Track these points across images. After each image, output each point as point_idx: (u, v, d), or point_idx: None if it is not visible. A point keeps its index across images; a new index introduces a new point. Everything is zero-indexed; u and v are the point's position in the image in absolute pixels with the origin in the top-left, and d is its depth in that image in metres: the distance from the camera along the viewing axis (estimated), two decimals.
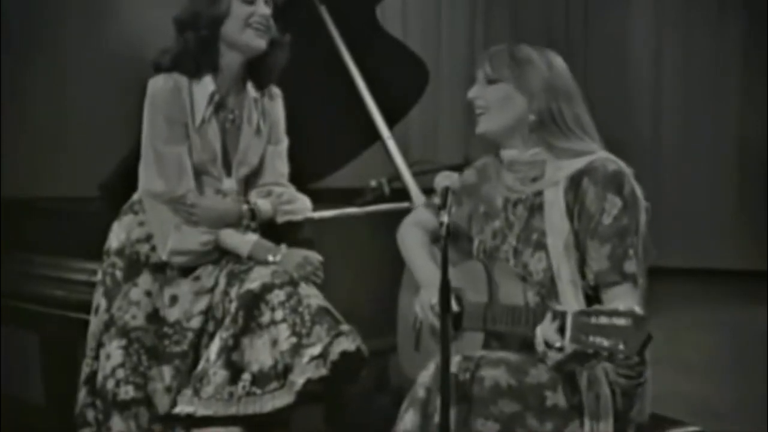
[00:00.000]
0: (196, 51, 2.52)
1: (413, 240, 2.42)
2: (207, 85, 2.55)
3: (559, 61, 2.19)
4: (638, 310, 1.79)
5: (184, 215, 2.50)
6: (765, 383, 3.92)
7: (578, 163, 2.12)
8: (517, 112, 2.16)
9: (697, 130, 6.91)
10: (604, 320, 1.80)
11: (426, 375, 2.06)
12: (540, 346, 1.95)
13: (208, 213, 2.52)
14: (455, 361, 2.03)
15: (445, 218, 1.98)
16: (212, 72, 2.56)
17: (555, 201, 2.12)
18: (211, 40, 2.53)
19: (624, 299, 2.03)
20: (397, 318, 2.50)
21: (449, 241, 1.98)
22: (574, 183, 2.11)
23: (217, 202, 2.57)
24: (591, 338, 1.81)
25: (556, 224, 2.11)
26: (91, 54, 4.72)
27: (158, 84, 2.52)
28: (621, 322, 1.78)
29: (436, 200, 2.15)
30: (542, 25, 6.99)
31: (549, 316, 1.93)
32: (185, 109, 2.53)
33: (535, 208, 2.17)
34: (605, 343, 1.79)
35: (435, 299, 2.09)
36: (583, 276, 2.10)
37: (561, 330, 1.87)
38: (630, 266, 2.06)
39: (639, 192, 2.10)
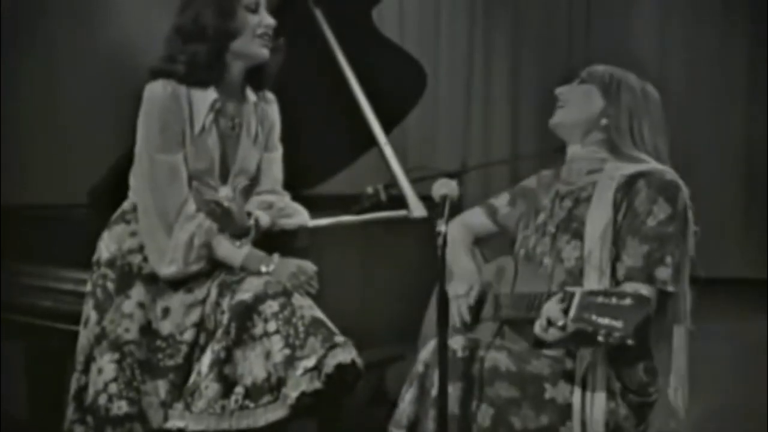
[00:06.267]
0: (205, 64, 2.47)
1: (457, 236, 2.46)
2: (209, 92, 2.50)
3: (655, 94, 2.29)
4: (645, 292, 1.86)
5: (209, 208, 2.44)
6: (765, 393, 3.90)
7: (638, 167, 2.18)
8: (592, 112, 2.24)
9: (702, 133, 6.88)
10: (610, 300, 1.83)
11: (425, 352, 2.12)
12: (542, 321, 1.96)
13: (231, 217, 2.46)
14: (459, 342, 2.08)
15: (442, 227, 1.99)
16: (217, 82, 2.52)
17: (604, 193, 2.17)
18: (220, 53, 2.49)
19: None
20: (425, 315, 2.50)
21: (486, 243, 2.00)
22: (629, 182, 2.16)
23: (240, 212, 2.51)
24: (593, 317, 1.83)
25: (599, 212, 2.15)
26: (83, 60, 4.72)
27: (156, 90, 2.46)
28: (625, 302, 1.81)
29: (499, 201, 2.40)
30: (544, 27, 6.96)
31: (558, 296, 1.95)
32: (183, 116, 2.47)
33: (581, 200, 2.22)
34: (605, 321, 1.81)
35: (462, 290, 2.27)
36: (613, 271, 2.11)
37: (566, 311, 1.90)
38: (662, 273, 2.08)
39: (691, 214, 2.15)
